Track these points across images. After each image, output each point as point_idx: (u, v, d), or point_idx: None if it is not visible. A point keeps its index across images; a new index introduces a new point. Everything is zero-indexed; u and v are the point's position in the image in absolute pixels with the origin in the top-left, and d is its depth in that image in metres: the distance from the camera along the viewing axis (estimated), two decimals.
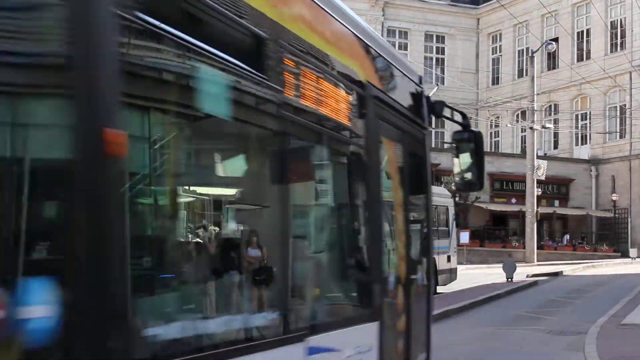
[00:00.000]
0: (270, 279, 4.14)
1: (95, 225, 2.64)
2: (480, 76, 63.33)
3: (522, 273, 35.04)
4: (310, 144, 4.80)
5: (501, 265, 33.82)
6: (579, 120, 57.32)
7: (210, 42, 3.41)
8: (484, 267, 37.94)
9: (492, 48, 63.65)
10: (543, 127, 49.08)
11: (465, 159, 7.19)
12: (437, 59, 62.25)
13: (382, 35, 59.87)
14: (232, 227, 4.19)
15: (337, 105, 4.96)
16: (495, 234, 51.90)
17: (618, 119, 55.18)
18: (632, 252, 49.27)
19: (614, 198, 52.87)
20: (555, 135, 57.96)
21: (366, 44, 5.72)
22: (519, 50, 61.05)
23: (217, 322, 3.62)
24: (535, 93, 46.22)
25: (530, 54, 48.21)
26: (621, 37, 54.77)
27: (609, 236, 53.91)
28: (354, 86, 5.27)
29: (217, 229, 3.99)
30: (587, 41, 56.57)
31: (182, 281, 3.53)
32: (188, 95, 3.34)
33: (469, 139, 7.19)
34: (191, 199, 3.79)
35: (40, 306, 2.51)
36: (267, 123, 4.07)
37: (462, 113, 7.48)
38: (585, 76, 52.47)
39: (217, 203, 4.00)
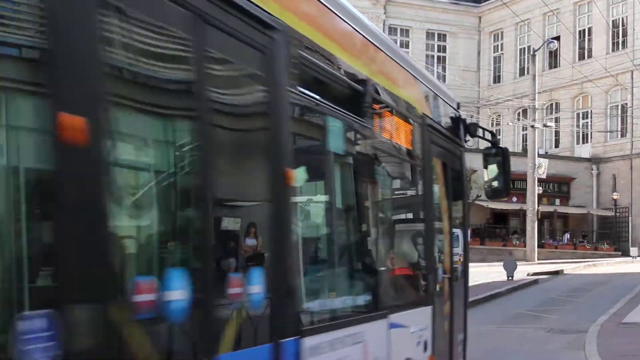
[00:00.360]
0: (371, 273, 5.81)
1: (279, 228, 4.15)
2: (481, 74, 63.32)
3: (523, 271, 35.05)
4: (393, 163, 6.70)
5: (502, 263, 33.82)
6: (580, 118, 57.29)
7: (332, 99, 4.96)
8: (484, 265, 37.92)
9: (494, 46, 63.63)
10: (544, 125, 49.05)
11: (493, 170, 8.69)
12: (438, 57, 62.23)
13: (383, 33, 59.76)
14: (365, 237, 5.94)
15: (406, 133, 6.67)
16: (495, 233, 51.90)
17: (619, 118, 55.17)
18: (633, 251, 49.27)
19: (614, 197, 52.85)
20: (557, 133, 57.94)
21: (424, 84, 7.42)
22: (520, 49, 61.03)
23: (341, 301, 5.37)
24: (536, 91, 46.17)
25: (531, 52, 48.18)
26: (623, 36, 54.73)
27: (609, 235, 53.91)
28: (416, 118, 6.84)
29: (355, 237, 5.76)
30: (589, 40, 56.54)
31: (324, 273, 5.23)
32: (318, 138, 5.10)
33: (497, 154, 8.69)
34: (353, 213, 5.68)
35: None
36: (365, 149, 5.83)
37: (491, 132, 9.24)
38: (586, 75, 52.44)
39: (352, 212, 5.69)
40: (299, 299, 4.39)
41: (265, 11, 3.92)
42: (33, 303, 2.48)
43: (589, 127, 56.43)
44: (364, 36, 5.69)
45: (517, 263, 34.18)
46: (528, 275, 35.28)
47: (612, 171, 54.10)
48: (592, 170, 55.07)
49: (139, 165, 3.26)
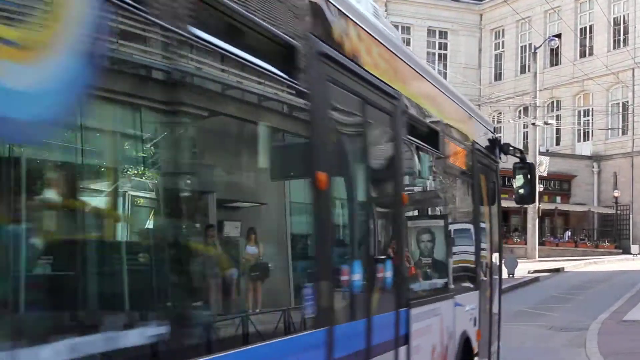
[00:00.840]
0: (446, 265, 7.85)
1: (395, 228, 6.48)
2: (482, 72, 63.30)
3: (524, 269, 35.09)
4: (457, 180, 8.69)
5: (503, 261, 33.79)
6: (582, 116, 57.29)
7: (423, 139, 7.10)
8: None
9: (495, 44, 63.61)
10: (545, 123, 49.02)
11: (520, 180, 10.70)
12: (439, 55, 62.20)
13: None
14: (441, 239, 7.88)
15: (465, 157, 8.75)
16: None
17: (620, 116, 55.16)
18: (634, 248, 49.23)
19: (615, 194, 52.86)
20: (558, 131, 57.94)
21: (474, 117, 9.59)
22: (521, 46, 61.01)
23: (429, 284, 7.52)
24: (537, 89, 46.17)
25: (532, 50, 48.17)
26: (624, 34, 54.71)
27: (610, 233, 53.94)
28: (467, 144, 8.89)
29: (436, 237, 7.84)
30: (590, 37, 56.51)
31: (420, 265, 7.33)
32: (416, 166, 7.30)
33: (524, 168, 10.73)
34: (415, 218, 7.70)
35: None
36: (443, 171, 7.92)
37: (520, 150, 11.11)
38: (587, 72, 52.43)
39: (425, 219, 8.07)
40: (408, 283, 6.55)
41: (391, 86, 6.12)
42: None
43: (590, 124, 56.43)
44: (442, 92, 8.00)
45: (518, 260, 34.21)
46: (529, 272, 35.32)
47: (613, 169, 54.11)
48: (593, 167, 55.08)
49: (344, 196, 5.49)
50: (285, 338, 4.18)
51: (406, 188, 6.79)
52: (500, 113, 60.35)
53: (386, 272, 5.83)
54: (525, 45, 59.53)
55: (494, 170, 10.44)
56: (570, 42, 56.08)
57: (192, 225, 3.65)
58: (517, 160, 10.85)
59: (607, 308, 21.52)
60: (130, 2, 3.05)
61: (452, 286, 7.84)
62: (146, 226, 3.74)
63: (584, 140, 57.05)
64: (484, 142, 9.81)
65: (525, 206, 46.90)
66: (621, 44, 54.63)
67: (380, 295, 5.76)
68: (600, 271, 37.74)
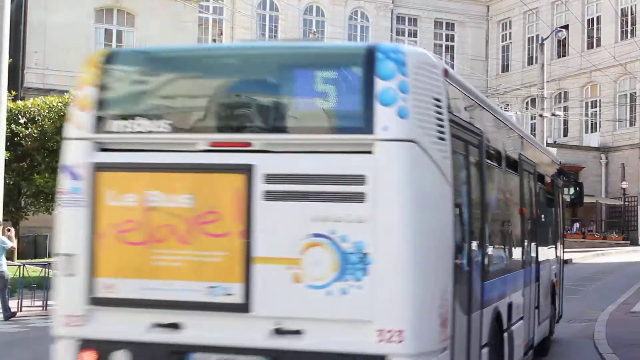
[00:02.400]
0: (548, 244, 13.99)
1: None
2: (490, 63, 63.17)
3: None
4: (551, 198, 14.52)
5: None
6: (589, 107, 57.14)
7: (539, 181, 12.95)
8: None
9: (502, 35, 63.45)
10: (553, 114, 48.86)
11: (572, 191, 16.97)
12: (446, 46, 62.07)
13: (391, 23, 59.88)
14: (546, 231, 14.21)
15: (552, 184, 14.47)
16: None
17: (628, 107, 54.96)
18: None
19: (623, 186, 52.73)
20: (565, 122, 57.81)
21: (550, 157, 14.98)
22: (528, 38, 60.84)
23: (542, 255, 12.84)
24: (545, 80, 46.00)
25: (540, 42, 47.95)
26: (632, 25, 54.50)
27: (618, 224, 53.85)
28: (550, 178, 14.23)
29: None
30: (598, 28, 56.31)
31: (534, 246, 12.36)
32: (535, 197, 12.56)
33: (576, 185, 17.10)
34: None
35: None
36: (546, 197, 13.77)
37: (572, 173, 17.76)
38: (595, 64, 52.27)
39: (546, 221, 14.02)
40: (537, 254, 12.20)
41: (532, 161, 12.14)
42: None
43: (598, 116, 56.28)
44: (541, 151, 14.01)
45: None
46: None
47: (621, 160, 53.97)
48: (601, 159, 54.95)
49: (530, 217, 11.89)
50: (523, 269, 10.95)
51: (539, 206, 12.74)
52: (508, 104, 60.20)
53: (534, 248, 12.05)
54: (533, 37, 59.35)
55: (559, 188, 15.60)
56: (578, 33, 55.91)
57: (530, 226, 11.79)
58: (572, 179, 17.09)
59: (615, 299, 21.53)
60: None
61: (550, 257, 13.95)
62: (528, 227, 11.57)
63: (592, 132, 56.92)
64: (554, 172, 15.00)
65: None
66: (629, 34, 54.44)
67: (533, 258, 11.92)
68: (608, 262, 37.71)
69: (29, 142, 27.70)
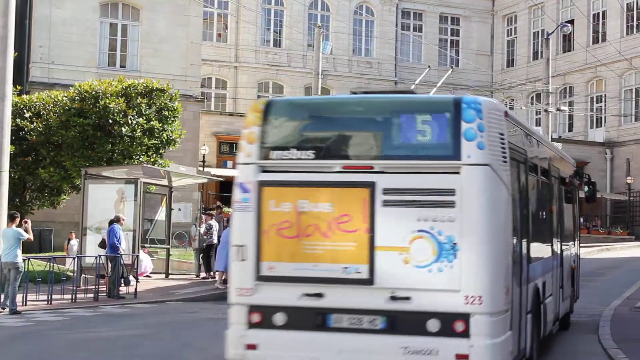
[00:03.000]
0: (570, 236, 16.58)
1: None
2: (495, 58, 63.03)
3: None
4: (569, 195, 16.33)
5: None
6: (594, 102, 57.01)
7: (561, 184, 15.15)
8: None
9: (507, 30, 63.30)
10: (558, 109, 48.75)
11: (586, 189, 18.42)
12: (451, 41, 61.92)
13: (396, 17, 59.76)
14: (570, 226, 16.73)
15: (570, 186, 16.27)
16: None
17: (633, 102, 54.82)
18: None
19: (628, 181, 52.62)
20: (570, 117, 57.69)
21: (567, 161, 16.39)
22: (534, 32, 60.68)
23: (567, 243, 15.93)
24: (550, 75, 45.86)
25: (545, 36, 47.82)
26: (637, 19, 54.30)
27: (623, 219, 53.77)
28: (569, 179, 16.14)
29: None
30: (603, 23, 56.14)
31: (562, 238, 15.12)
32: (558, 197, 14.65)
33: (589, 183, 18.51)
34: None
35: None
36: (564, 197, 15.47)
37: (587, 174, 18.91)
38: (600, 58, 52.12)
39: (568, 219, 16.44)
40: (565, 242, 15.08)
41: (564, 173, 15.36)
42: None
43: (603, 111, 56.14)
44: (563, 158, 15.89)
45: None
46: None
47: (626, 155, 53.86)
48: (606, 154, 54.85)
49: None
50: (552, 256, 13.53)
51: (562, 204, 14.93)
52: (513, 99, 60.14)
53: (560, 239, 14.35)
54: (538, 32, 59.21)
55: (575, 187, 17.13)
56: (583, 28, 55.76)
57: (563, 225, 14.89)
58: (586, 179, 18.41)
59: (619, 295, 21.50)
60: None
61: (570, 246, 15.96)
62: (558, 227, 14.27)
63: (597, 127, 56.80)
64: (571, 173, 16.65)
65: None
66: (634, 29, 54.28)
67: (559, 247, 14.17)
68: (613, 258, 37.66)
69: (34, 137, 27.65)
